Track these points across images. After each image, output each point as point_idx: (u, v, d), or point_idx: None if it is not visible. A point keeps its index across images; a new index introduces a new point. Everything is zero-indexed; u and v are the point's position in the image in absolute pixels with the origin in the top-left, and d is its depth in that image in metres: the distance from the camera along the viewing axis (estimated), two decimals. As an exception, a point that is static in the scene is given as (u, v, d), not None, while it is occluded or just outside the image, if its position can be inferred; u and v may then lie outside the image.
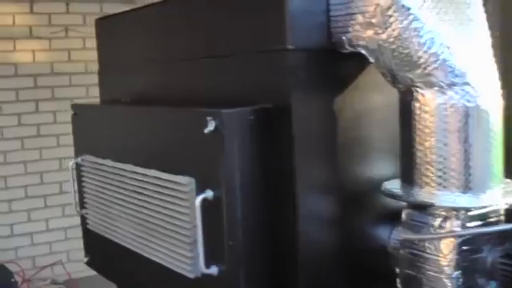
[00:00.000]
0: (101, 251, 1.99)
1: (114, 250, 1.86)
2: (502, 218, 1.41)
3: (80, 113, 2.02)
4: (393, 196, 1.44)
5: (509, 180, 1.45)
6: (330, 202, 1.48)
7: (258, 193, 1.41)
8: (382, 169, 1.59)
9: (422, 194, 1.37)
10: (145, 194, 1.62)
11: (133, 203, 1.69)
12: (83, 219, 2.05)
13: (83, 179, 1.99)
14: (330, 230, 1.49)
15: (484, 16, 1.42)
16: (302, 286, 1.41)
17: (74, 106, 2.04)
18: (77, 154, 2.03)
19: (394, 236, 1.60)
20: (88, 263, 2.08)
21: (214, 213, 1.39)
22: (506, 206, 1.39)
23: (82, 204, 2.04)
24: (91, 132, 1.97)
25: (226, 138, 1.35)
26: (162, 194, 1.54)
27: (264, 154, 1.41)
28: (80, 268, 4.68)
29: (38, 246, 4.62)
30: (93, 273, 4.71)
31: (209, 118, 1.35)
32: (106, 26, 2.14)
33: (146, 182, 1.60)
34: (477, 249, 1.38)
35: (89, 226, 2.00)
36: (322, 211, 1.47)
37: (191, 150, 1.45)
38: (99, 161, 1.87)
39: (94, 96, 4.61)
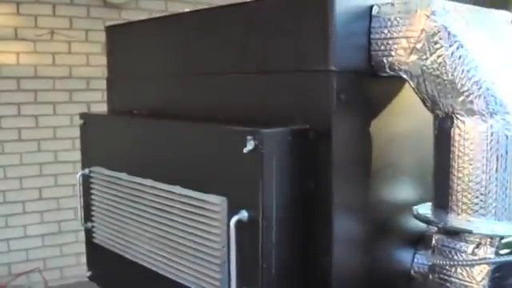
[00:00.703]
0: (107, 266, 1.93)
1: (123, 266, 1.81)
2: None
3: (90, 122, 1.96)
4: (427, 221, 1.44)
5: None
6: (361, 226, 1.47)
7: (293, 215, 1.39)
8: (408, 193, 1.59)
9: (459, 220, 1.36)
10: (168, 212, 1.57)
11: (152, 220, 1.64)
12: (88, 232, 1.99)
13: (92, 191, 1.93)
14: (360, 254, 1.48)
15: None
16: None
17: (84, 115, 1.98)
18: (84, 165, 1.97)
19: (418, 260, 1.59)
20: (91, 278, 2.01)
21: (247, 234, 1.35)
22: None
23: (87, 217, 1.97)
24: (103, 143, 1.91)
25: (264, 158, 1.32)
26: (190, 212, 1.50)
27: (300, 176, 1.38)
28: (56, 276, 4.59)
29: (15, 253, 4.48)
30: (69, 281, 4.63)
31: (249, 138, 1.32)
32: (118, 34, 2.09)
33: (171, 199, 1.56)
34: (506, 276, 1.38)
35: (95, 240, 1.94)
36: (354, 235, 1.45)
37: (225, 168, 1.42)
38: (113, 174, 1.81)
39: (77, 101, 4.56)
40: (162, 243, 1.60)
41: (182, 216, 1.52)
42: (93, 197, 1.93)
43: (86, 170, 1.94)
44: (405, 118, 1.55)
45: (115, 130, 1.86)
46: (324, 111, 1.37)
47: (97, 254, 1.97)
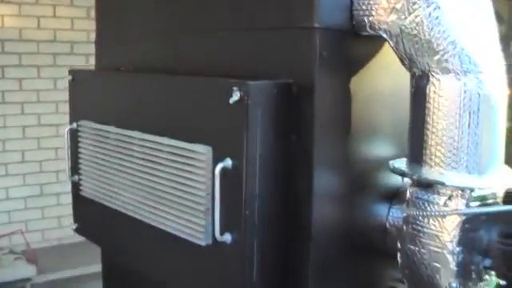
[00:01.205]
0: (94, 218, 1.99)
1: (110, 217, 1.87)
2: (499, 200, 1.50)
3: (79, 79, 2.00)
4: (402, 174, 1.52)
5: (506, 165, 1.54)
6: (340, 180, 1.55)
7: (276, 165, 1.46)
8: (385, 150, 1.67)
9: (432, 173, 1.44)
10: (155, 162, 1.63)
11: (139, 170, 1.70)
12: (75, 186, 2.04)
13: (80, 145, 1.98)
14: (339, 206, 1.55)
15: (491, 5, 1.50)
16: (313, 257, 1.47)
17: (73, 72, 2.02)
18: (72, 120, 2.01)
19: (393, 214, 1.68)
20: (77, 230, 2.07)
21: (231, 182, 1.42)
22: (505, 189, 1.48)
23: (74, 170, 2.02)
24: (91, 98, 1.96)
25: (250, 108, 1.39)
26: (176, 162, 1.56)
27: (284, 129, 1.45)
28: (38, 238, 4.65)
29: (-3, 215, 4.53)
30: (51, 244, 4.68)
31: (235, 89, 1.38)
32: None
33: (158, 149, 1.62)
34: (475, 228, 1.47)
35: (82, 193, 1.99)
36: (334, 189, 1.53)
37: (211, 119, 1.48)
38: (101, 127, 1.86)
39: (61, 65, 4.56)
40: (149, 193, 1.66)
41: (168, 166, 1.59)
42: (80, 150, 1.98)
43: (74, 125, 1.99)
44: (384, 77, 1.62)
45: (103, 85, 1.91)
46: (308, 67, 1.43)
47: (83, 207, 2.03)
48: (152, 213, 1.66)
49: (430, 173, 1.46)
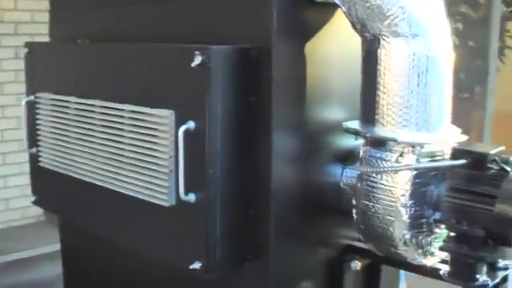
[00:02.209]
0: (53, 189, 2.00)
1: (72, 186, 1.89)
2: (446, 156, 1.60)
3: (35, 50, 2.00)
4: (356, 132, 1.60)
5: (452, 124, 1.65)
6: (296, 140, 1.61)
7: (236, 126, 1.51)
8: (339, 113, 1.74)
9: (385, 131, 1.53)
10: (118, 129, 1.66)
11: (102, 138, 1.73)
12: (33, 158, 2.04)
13: (38, 116, 1.98)
14: (296, 166, 1.62)
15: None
16: (274, 214, 1.54)
17: (29, 44, 2.01)
18: (29, 93, 2.01)
19: (347, 174, 1.76)
20: (36, 202, 2.07)
21: (194, 143, 1.47)
22: (452, 146, 1.58)
23: (32, 142, 2.03)
24: (49, 70, 1.96)
25: (211, 72, 1.44)
26: (139, 127, 1.60)
27: (243, 92, 1.51)
28: (2, 207, 4.60)
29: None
30: (14, 214, 4.58)
31: (197, 53, 1.43)
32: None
33: (120, 116, 1.65)
34: (426, 183, 1.56)
35: (41, 164, 2.00)
36: (291, 148, 1.59)
37: (173, 84, 1.52)
38: (60, 97, 1.87)
39: (22, 33, 4.47)
40: (113, 159, 1.69)
41: (131, 131, 1.62)
42: (39, 121, 1.98)
43: (32, 97, 1.99)
44: (337, 43, 1.69)
45: (61, 56, 1.92)
46: (266, 32, 1.48)
47: (42, 179, 2.04)
48: (116, 179, 1.70)
49: (382, 131, 1.54)
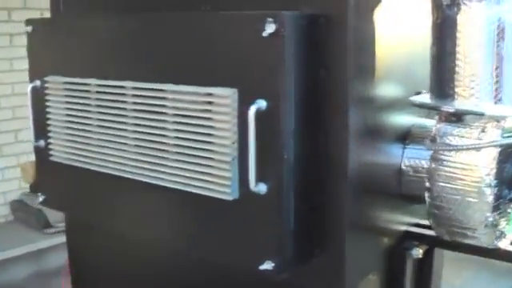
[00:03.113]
0: (70, 187, 1.75)
1: (95, 182, 1.66)
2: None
3: (41, 28, 1.74)
4: (434, 108, 1.45)
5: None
6: (366, 120, 1.45)
7: (308, 104, 1.33)
8: (397, 89, 1.60)
9: (467, 105, 1.39)
10: (159, 113, 1.45)
11: (137, 125, 1.50)
12: (40, 152, 1.79)
13: (48, 104, 1.73)
14: (365, 148, 1.46)
15: None
16: (347, 203, 1.37)
17: (32, 22, 1.75)
18: (34, 77, 1.75)
19: (408, 154, 1.61)
20: (45, 202, 1.82)
21: (264, 125, 1.28)
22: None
23: (39, 134, 1.77)
24: (58, 50, 1.71)
25: (286, 42, 1.25)
26: (189, 110, 1.39)
27: (314, 65, 1.33)
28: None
29: None
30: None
31: (269, 20, 1.24)
32: None
33: (162, 98, 1.43)
34: (505, 160, 1.44)
35: (53, 158, 1.75)
36: (363, 128, 1.43)
37: (236, 58, 1.32)
38: (77, 80, 1.63)
39: (16, 20, 4.04)
40: (153, 149, 1.47)
41: (177, 115, 1.41)
42: (49, 110, 1.73)
43: (37, 82, 1.73)
44: (397, 14, 1.54)
45: (75, 32, 1.67)
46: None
47: (54, 175, 1.79)
48: (158, 171, 1.48)
49: (464, 104, 1.40)
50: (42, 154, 1.78)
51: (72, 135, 1.68)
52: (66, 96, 1.68)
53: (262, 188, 1.31)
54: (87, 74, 1.61)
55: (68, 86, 1.67)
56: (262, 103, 1.28)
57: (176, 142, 1.42)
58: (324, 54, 1.34)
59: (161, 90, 1.43)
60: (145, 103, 1.48)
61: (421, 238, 1.68)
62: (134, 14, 1.58)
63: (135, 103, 1.50)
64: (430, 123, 1.57)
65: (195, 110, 1.37)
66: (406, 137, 1.63)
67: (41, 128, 1.76)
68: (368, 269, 1.54)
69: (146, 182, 1.51)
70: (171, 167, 1.45)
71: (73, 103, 1.66)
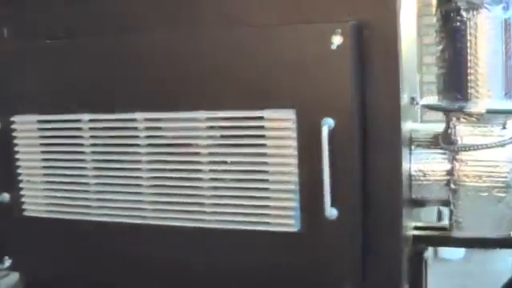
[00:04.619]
0: (53, 245, 1.47)
1: (93, 236, 1.41)
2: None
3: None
4: (450, 110, 1.46)
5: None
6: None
7: (365, 120, 1.26)
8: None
9: (488, 104, 1.42)
10: (190, 145, 1.27)
11: (158, 161, 1.31)
12: (7, 208, 1.47)
13: (17, 149, 1.43)
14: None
15: None
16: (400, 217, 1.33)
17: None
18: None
19: (416, 157, 1.61)
20: (15, 267, 1.50)
21: (331, 146, 1.19)
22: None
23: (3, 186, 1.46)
24: (29, 79, 1.42)
25: (352, 54, 1.17)
26: (235, 138, 1.24)
27: (367, 75, 1.27)
28: None
29: None
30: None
31: (338, 31, 1.15)
32: None
33: (194, 128, 1.26)
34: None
35: (27, 213, 1.46)
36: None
37: (292, 74, 1.20)
38: (61, 117, 1.38)
39: None
40: (188, 187, 1.29)
41: (221, 145, 1.25)
42: (18, 156, 1.43)
43: (-3, 124, 1.43)
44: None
45: (54, 55, 1.39)
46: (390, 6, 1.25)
47: (28, 232, 1.48)
48: (195, 211, 1.30)
49: (484, 104, 1.44)
50: (9, 209, 1.47)
51: (55, 183, 1.41)
52: (42, 137, 1.41)
53: (334, 213, 1.21)
54: (74, 108, 1.36)
55: (45, 126, 1.40)
56: (330, 122, 1.18)
57: (214, 176, 1.26)
58: (373, 65, 1.27)
59: (193, 119, 1.26)
60: (166, 136, 1.29)
61: (428, 240, 1.70)
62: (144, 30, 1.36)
63: (151, 137, 1.31)
64: (425, 127, 1.60)
65: (241, 137, 1.23)
66: (410, 142, 1.64)
67: (3, 179, 1.45)
68: (406, 279, 1.51)
69: (174, 226, 1.32)
70: (214, 205, 1.28)
71: (54, 145, 1.39)
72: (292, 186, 1.22)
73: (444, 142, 1.51)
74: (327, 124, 1.17)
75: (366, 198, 1.28)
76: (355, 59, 1.18)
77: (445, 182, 1.53)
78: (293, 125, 1.20)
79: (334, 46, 1.15)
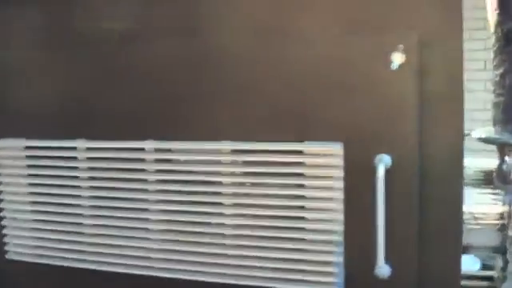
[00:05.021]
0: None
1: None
2: None
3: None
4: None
5: None
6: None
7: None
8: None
9: None
10: (209, 183, 1.04)
11: (168, 201, 1.08)
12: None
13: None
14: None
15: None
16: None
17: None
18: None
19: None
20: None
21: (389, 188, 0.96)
22: None
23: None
24: (12, 95, 1.19)
25: (415, 75, 0.95)
26: (264, 175, 1.01)
27: (433, 104, 1.04)
28: None
29: None
30: None
31: (400, 47, 0.93)
32: None
33: (217, 162, 1.03)
34: None
35: (11, 256, 1.22)
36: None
37: (339, 98, 0.98)
38: (55, 144, 1.14)
39: None
40: (206, 234, 1.06)
41: (245, 184, 1.02)
42: (0, 188, 1.20)
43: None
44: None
45: (41, 67, 1.17)
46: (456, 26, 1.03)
47: (8, 280, 1.25)
48: (215, 264, 1.06)
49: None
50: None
51: (44, 222, 1.18)
52: (30, 167, 1.18)
53: (386, 271, 0.98)
54: (70, 133, 1.13)
55: (34, 153, 1.16)
56: (386, 160, 0.95)
57: (238, 222, 1.03)
58: (433, 91, 1.04)
59: (214, 152, 1.03)
60: (180, 171, 1.06)
61: None
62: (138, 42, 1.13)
63: (162, 171, 1.07)
64: (475, 162, 1.39)
65: (272, 176, 1.00)
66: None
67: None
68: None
69: (187, 281, 1.08)
70: (237, 257, 1.04)
71: (44, 176, 1.16)
72: (335, 237, 0.99)
73: (498, 180, 1.30)
74: (383, 162, 0.94)
75: (422, 254, 1.05)
76: (418, 83, 0.96)
77: (498, 227, 1.34)
78: (339, 162, 0.97)
79: (394, 66, 0.92)
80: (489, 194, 1.35)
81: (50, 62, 1.16)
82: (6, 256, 1.23)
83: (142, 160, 1.08)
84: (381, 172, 0.93)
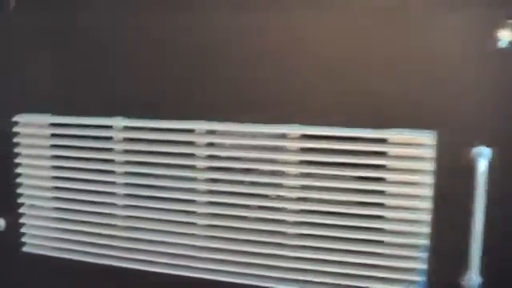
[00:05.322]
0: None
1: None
2: None
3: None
4: None
5: None
6: None
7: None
8: None
9: None
10: (276, 174, 0.90)
11: (218, 192, 0.93)
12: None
13: (18, 160, 1.04)
14: None
15: None
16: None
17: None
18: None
19: None
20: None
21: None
22: None
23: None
24: (38, 66, 1.04)
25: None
26: (342, 167, 0.87)
27: None
28: None
29: None
30: None
31: (509, 23, 0.79)
32: None
33: (283, 149, 0.89)
34: None
35: (26, 248, 1.07)
36: None
37: (432, 80, 0.84)
38: (85, 121, 0.99)
39: None
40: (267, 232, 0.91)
41: (317, 175, 0.88)
42: (20, 170, 1.05)
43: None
44: None
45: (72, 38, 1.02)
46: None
47: (24, 275, 1.09)
48: (277, 268, 0.92)
49: None
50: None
51: (69, 210, 1.02)
52: (54, 147, 1.02)
53: (476, 283, 0.84)
54: (104, 109, 0.98)
55: (60, 131, 1.01)
56: (487, 153, 0.82)
57: (303, 219, 0.89)
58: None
59: (278, 136, 0.89)
60: (236, 158, 0.91)
61: None
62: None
63: (213, 157, 0.93)
64: None
65: (348, 167, 0.86)
66: None
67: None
68: None
69: (239, 284, 0.94)
70: (299, 259, 0.90)
71: (71, 158, 1.01)
72: (419, 240, 0.85)
73: None
74: (484, 155, 0.81)
75: None
76: (525, 64, 0.82)
77: None
78: (431, 153, 0.83)
79: (502, 44, 0.79)
80: None
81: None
82: (24, 248, 1.07)
83: (192, 143, 0.94)
84: (482, 167, 0.80)
